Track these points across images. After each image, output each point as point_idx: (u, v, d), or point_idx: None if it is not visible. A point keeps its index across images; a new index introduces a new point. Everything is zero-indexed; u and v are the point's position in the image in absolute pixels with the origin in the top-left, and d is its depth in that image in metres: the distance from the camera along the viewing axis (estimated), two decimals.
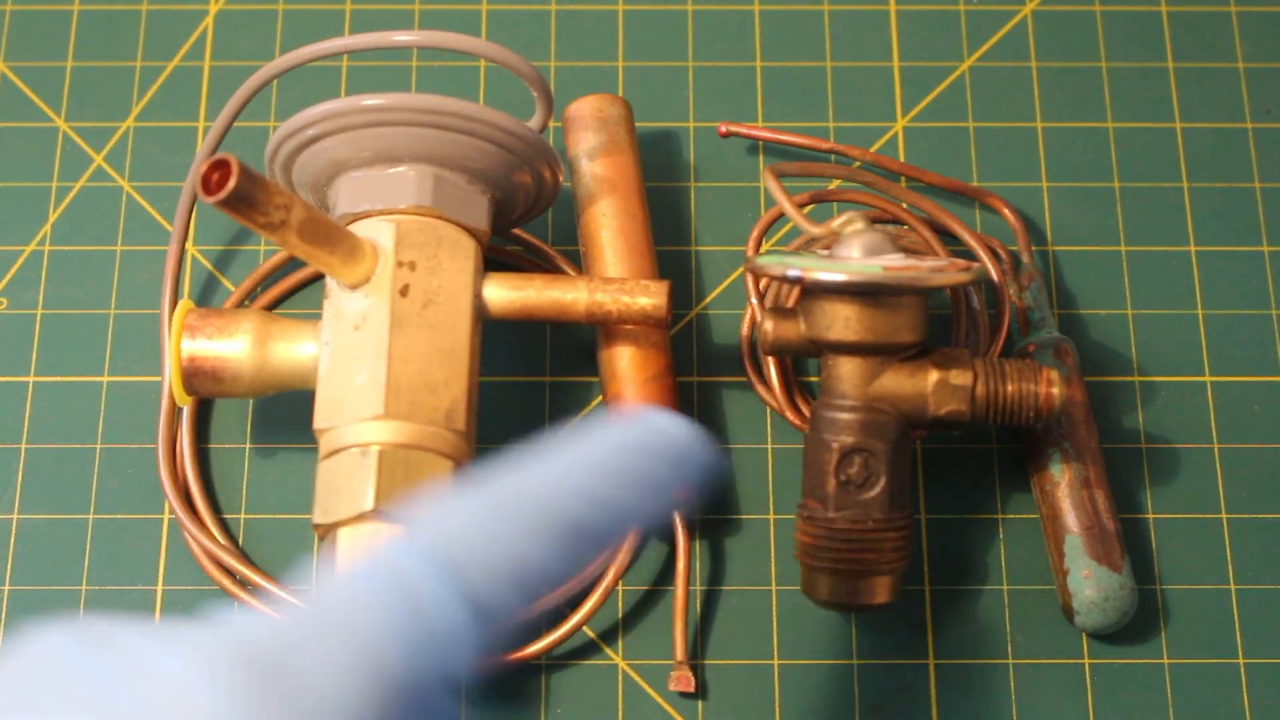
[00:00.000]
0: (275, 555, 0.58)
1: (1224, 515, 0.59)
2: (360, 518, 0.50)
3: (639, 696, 0.56)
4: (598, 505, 0.39)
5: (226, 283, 0.62)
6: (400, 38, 0.56)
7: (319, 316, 0.58)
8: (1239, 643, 0.57)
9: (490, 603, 0.37)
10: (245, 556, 0.58)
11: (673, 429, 0.41)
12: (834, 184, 0.64)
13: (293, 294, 0.62)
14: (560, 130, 0.64)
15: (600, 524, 0.39)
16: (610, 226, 0.59)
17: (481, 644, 0.36)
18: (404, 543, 0.37)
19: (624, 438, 0.40)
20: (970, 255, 0.61)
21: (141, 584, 0.57)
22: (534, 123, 0.60)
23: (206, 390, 0.55)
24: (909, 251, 0.59)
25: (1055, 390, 0.54)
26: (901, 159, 0.64)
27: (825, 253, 0.56)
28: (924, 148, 0.65)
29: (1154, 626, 0.57)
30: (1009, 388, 0.54)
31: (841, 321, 0.53)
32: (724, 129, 0.64)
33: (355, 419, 0.52)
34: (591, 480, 0.39)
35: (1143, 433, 0.60)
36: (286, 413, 0.60)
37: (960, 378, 0.53)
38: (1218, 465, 0.60)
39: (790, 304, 0.59)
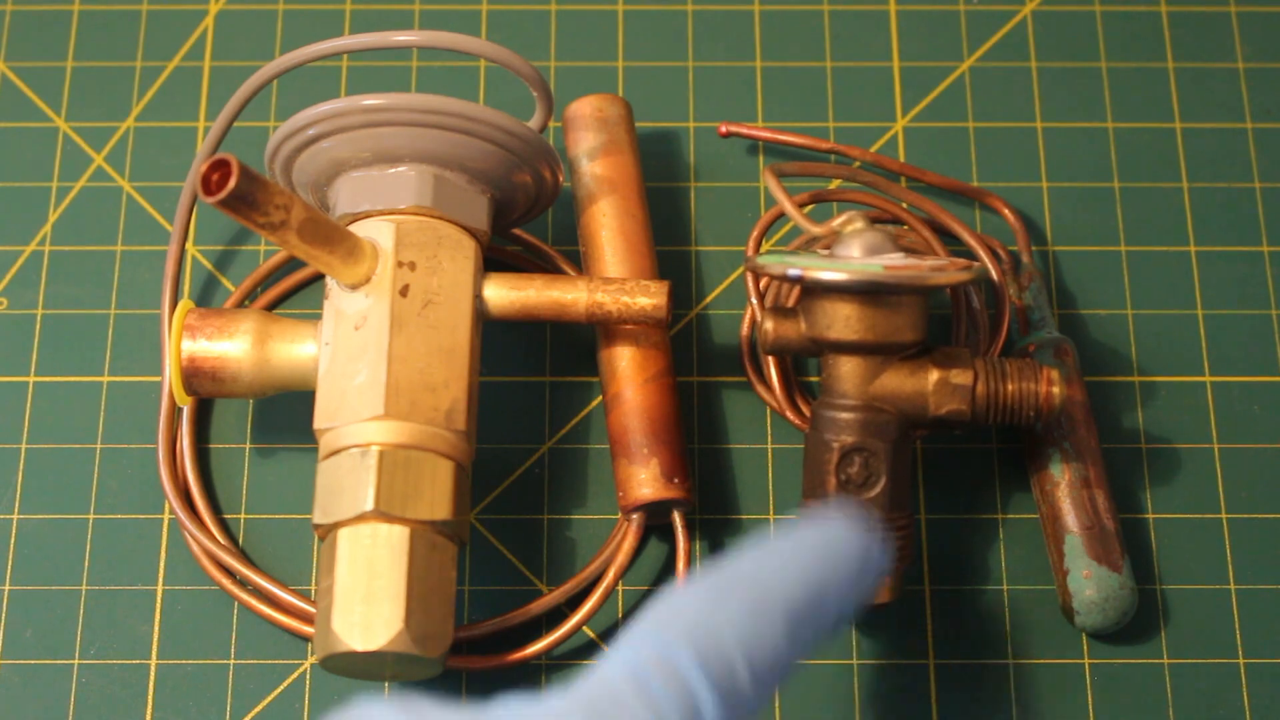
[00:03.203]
0: (275, 555, 0.58)
1: (1224, 515, 0.59)
2: (360, 518, 0.50)
3: None
4: (814, 605, 0.42)
5: (226, 283, 0.62)
6: (400, 38, 0.56)
7: (319, 316, 0.58)
8: (1239, 643, 0.57)
9: (735, 700, 0.40)
10: (245, 556, 0.58)
11: (860, 539, 0.44)
12: (834, 184, 0.64)
13: (293, 294, 0.62)
14: (560, 130, 0.64)
15: (813, 629, 0.42)
16: (610, 226, 0.59)
17: None
18: (667, 640, 0.40)
19: (829, 547, 0.43)
20: (970, 255, 0.61)
21: (141, 584, 0.57)
22: (534, 123, 0.60)
23: (206, 390, 0.55)
24: (909, 251, 0.59)
25: (1055, 390, 0.54)
26: (901, 159, 0.64)
27: (825, 252, 0.56)
28: (924, 148, 0.65)
29: (1154, 626, 0.57)
30: (1009, 387, 0.54)
31: (842, 321, 0.53)
32: (724, 129, 0.64)
33: (355, 419, 0.52)
34: (807, 586, 0.42)
35: (1143, 433, 0.60)
36: (286, 413, 0.60)
37: (960, 377, 0.53)
38: (1218, 465, 0.60)
39: (790, 304, 0.59)
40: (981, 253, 0.60)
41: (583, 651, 0.57)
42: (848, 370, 0.53)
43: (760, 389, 0.60)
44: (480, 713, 0.38)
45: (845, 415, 0.53)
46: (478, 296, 0.55)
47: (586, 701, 0.38)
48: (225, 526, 0.58)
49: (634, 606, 0.57)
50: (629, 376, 0.57)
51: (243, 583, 0.57)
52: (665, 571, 0.58)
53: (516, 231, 0.61)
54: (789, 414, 0.59)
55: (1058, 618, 0.57)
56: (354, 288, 0.53)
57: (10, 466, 0.59)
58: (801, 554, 0.42)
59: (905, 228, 0.61)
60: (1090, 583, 0.55)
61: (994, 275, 0.59)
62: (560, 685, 0.56)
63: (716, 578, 0.42)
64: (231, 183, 0.47)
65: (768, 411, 0.60)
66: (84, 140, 0.64)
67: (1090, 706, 0.56)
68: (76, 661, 0.56)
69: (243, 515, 0.59)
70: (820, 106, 0.65)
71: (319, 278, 0.62)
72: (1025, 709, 0.56)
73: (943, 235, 0.62)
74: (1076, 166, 0.64)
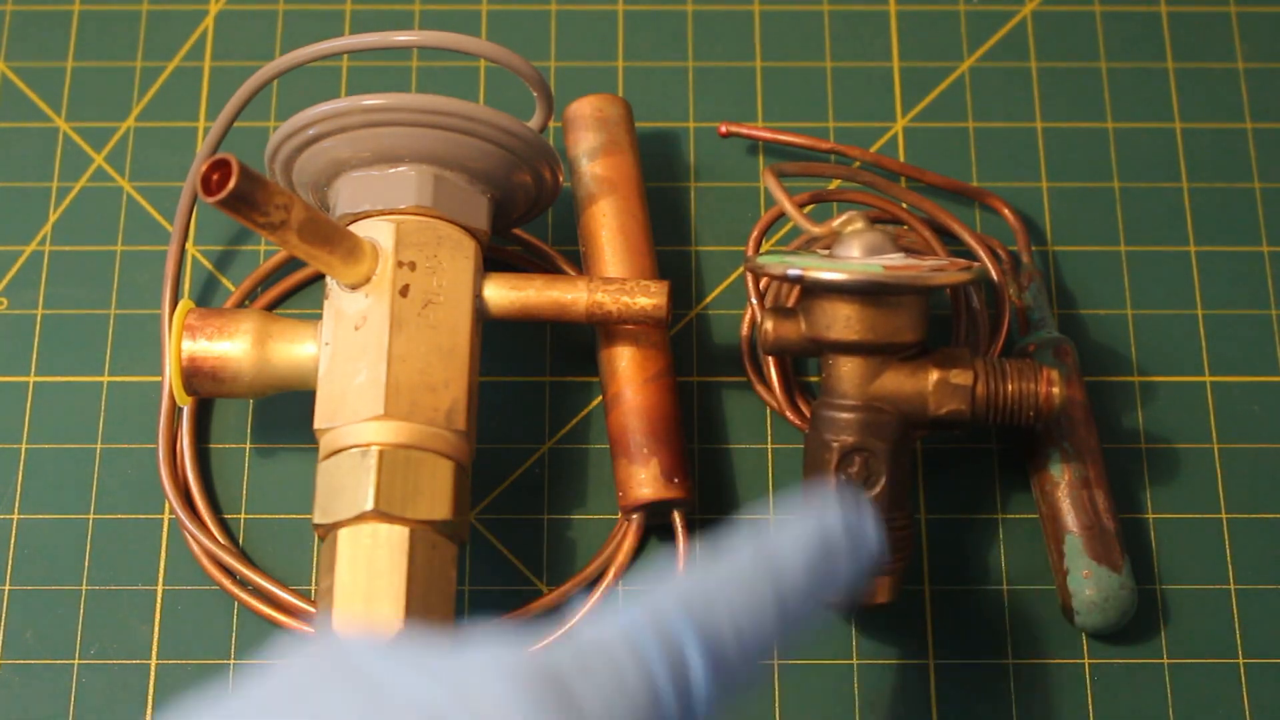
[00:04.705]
0: (275, 555, 0.58)
1: (1224, 515, 0.59)
2: (360, 518, 0.50)
3: None
4: (797, 589, 0.42)
5: (226, 283, 0.62)
6: (400, 38, 0.56)
7: (319, 316, 0.58)
8: (1239, 643, 0.57)
9: (723, 665, 0.40)
10: (245, 556, 0.58)
11: (856, 522, 0.45)
12: (834, 184, 0.64)
13: (293, 294, 0.62)
14: (560, 130, 0.64)
15: (798, 606, 0.42)
16: (610, 226, 0.59)
17: (716, 699, 0.40)
18: (661, 605, 0.40)
19: (817, 528, 0.44)
20: (970, 255, 0.61)
21: (141, 584, 0.57)
22: (534, 123, 0.60)
23: (206, 390, 0.55)
24: (909, 251, 0.59)
25: (1055, 390, 0.54)
26: (901, 159, 0.64)
27: (825, 252, 0.56)
28: (924, 148, 0.65)
29: (1154, 626, 0.57)
30: (1009, 387, 0.54)
31: (842, 321, 0.53)
32: (724, 129, 0.64)
33: (355, 419, 0.52)
34: (794, 565, 0.43)
35: (1143, 433, 0.60)
36: (286, 413, 0.60)
37: (960, 377, 0.53)
38: (1218, 465, 0.60)
39: (790, 304, 0.59)
40: (981, 253, 0.60)
41: None
42: (848, 370, 0.53)
43: (760, 389, 0.60)
44: (460, 653, 0.38)
45: (845, 415, 0.53)
46: (478, 296, 0.55)
47: (575, 650, 0.38)
48: (225, 526, 0.58)
49: None
50: (629, 376, 0.57)
51: (243, 583, 0.57)
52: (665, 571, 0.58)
53: (516, 231, 0.61)
54: (789, 414, 0.59)
55: (1058, 618, 0.57)
56: (354, 288, 0.53)
57: (10, 466, 0.59)
58: (794, 530, 0.43)
59: (905, 228, 0.61)
60: (1090, 583, 0.55)
61: (994, 275, 0.59)
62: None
63: (713, 569, 0.42)
64: (231, 183, 0.47)
65: (768, 411, 0.60)
66: (84, 140, 0.64)
67: (1090, 706, 0.56)
68: (76, 661, 0.56)
69: (243, 515, 0.59)
70: (820, 106, 0.65)
71: (319, 278, 0.62)
72: (1025, 709, 0.56)
73: (943, 235, 0.62)
74: (1076, 166, 0.64)
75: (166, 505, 0.59)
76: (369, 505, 0.50)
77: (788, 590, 0.42)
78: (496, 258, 0.62)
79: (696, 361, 0.61)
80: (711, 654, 0.40)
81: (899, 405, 0.53)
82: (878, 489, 0.53)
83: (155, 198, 0.64)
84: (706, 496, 0.59)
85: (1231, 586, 0.58)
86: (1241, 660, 0.57)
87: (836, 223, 0.55)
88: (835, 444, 0.53)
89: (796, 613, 0.42)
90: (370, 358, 0.52)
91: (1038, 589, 0.58)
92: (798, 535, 0.43)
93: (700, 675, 0.39)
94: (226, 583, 0.57)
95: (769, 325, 0.55)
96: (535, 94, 0.59)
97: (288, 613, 0.56)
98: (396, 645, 0.38)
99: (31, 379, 0.61)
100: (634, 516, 0.56)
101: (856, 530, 0.44)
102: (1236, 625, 0.57)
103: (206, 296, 0.62)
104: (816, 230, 0.56)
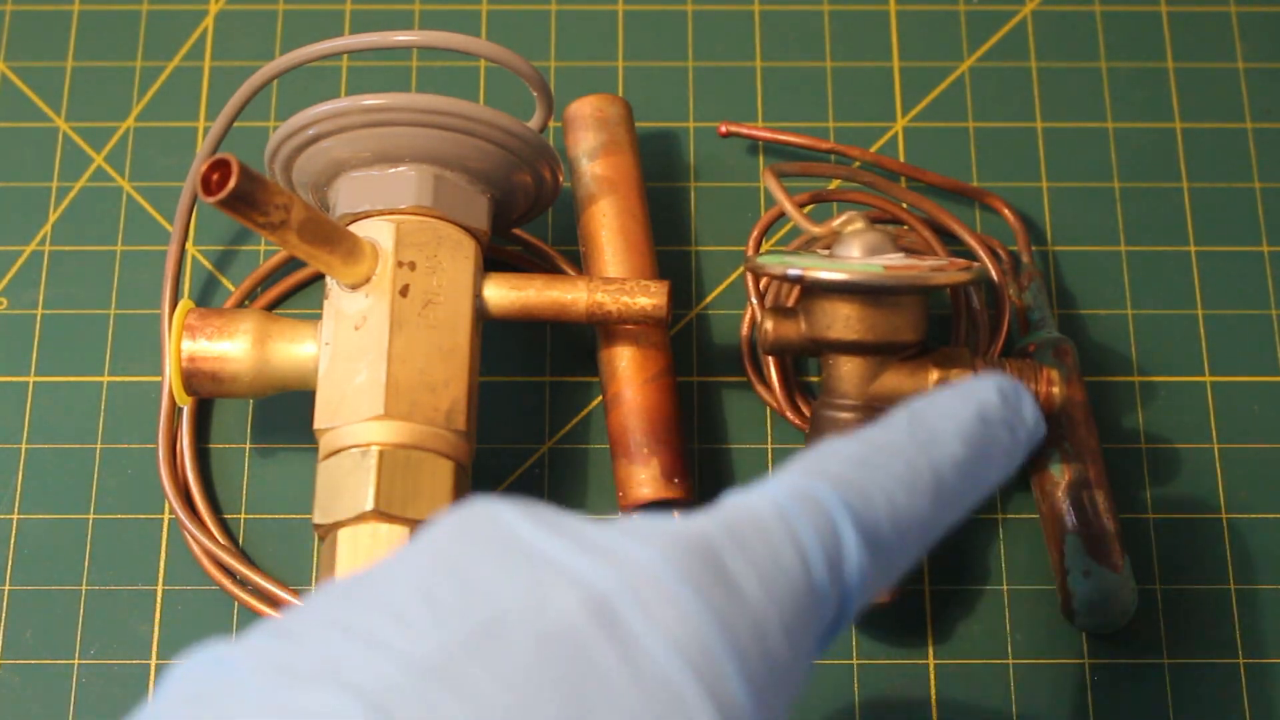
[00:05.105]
0: (275, 555, 0.58)
1: (1224, 515, 0.59)
2: (360, 518, 0.50)
3: None
4: (956, 465, 0.41)
5: (226, 283, 0.62)
6: (400, 38, 0.56)
7: (319, 316, 0.58)
8: (1239, 643, 0.57)
9: (879, 547, 0.38)
10: (245, 556, 0.58)
11: (1021, 405, 0.43)
12: (834, 184, 0.64)
13: (293, 294, 0.62)
14: (560, 130, 0.64)
15: (956, 485, 0.41)
16: (610, 226, 0.59)
17: (872, 582, 0.38)
18: (813, 479, 0.39)
19: (976, 404, 0.42)
20: (970, 255, 0.61)
21: (141, 584, 0.57)
22: (534, 123, 0.60)
23: (206, 390, 0.55)
24: (909, 251, 0.59)
25: (1055, 390, 0.54)
26: (901, 159, 0.64)
27: (825, 252, 0.56)
28: (924, 148, 0.65)
29: (1154, 626, 0.57)
30: None
31: (842, 321, 0.53)
32: (724, 129, 0.64)
33: (355, 419, 0.52)
34: (952, 441, 0.41)
35: (1143, 433, 0.60)
36: (286, 413, 0.60)
37: (960, 377, 0.53)
38: (1218, 465, 0.60)
39: (790, 304, 0.59)
40: (981, 253, 0.60)
41: None
42: (848, 370, 0.53)
43: (760, 389, 0.60)
44: (614, 524, 0.36)
45: (845, 415, 0.53)
46: (478, 296, 0.55)
47: (726, 522, 0.37)
48: (225, 526, 0.58)
49: None
50: (629, 376, 0.57)
51: (243, 583, 0.57)
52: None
53: (516, 231, 0.61)
54: (789, 414, 0.59)
55: (1058, 618, 0.57)
56: (354, 288, 0.53)
57: (10, 466, 0.59)
58: (955, 426, 0.41)
59: (905, 228, 0.61)
60: (1090, 583, 0.55)
61: (994, 275, 0.59)
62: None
63: (867, 442, 0.40)
64: (231, 183, 0.47)
65: (768, 411, 0.60)
66: (84, 140, 0.64)
67: (1090, 706, 0.56)
68: (76, 661, 0.56)
69: (243, 515, 0.59)
70: (820, 106, 0.65)
71: (319, 278, 0.62)
72: (1025, 709, 0.56)
73: (943, 235, 0.62)
74: (1076, 166, 0.64)
75: (166, 505, 0.59)
76: (369, 505, 0.50)
77: (946, 468, 0.40)
78: (496, 258, 0.62)
79: (696, 361, 0.61)
80: (867, 534, 0.38)
81: (899, 405, 0.53)
82: None
83: (155, 198, 0.64)
84: (706, 496, 0.59)
85: (1231, 586, 0.58)
86: (1241, 660, 0.57)
87: (836, 223, 0.55)
88: None
89: (955, 492, 0.40)
90: (370, 358, 0.52)
91: (1038, 589, 0.58)
92: (956, 411, 0.41)
93: (855, 557, 0.38)
94: (226, 583, 0.57)
95: (769, 325, 0.55)
96: (535, 94, 0.59)
97: None
98: (556, 517, 0.36)
99: (31, 379, 0.61)
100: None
101: (1015, 405, 0.43)
102: (1236, 625, 0.57)
103: (206, 296, 0.62)
104: (816, 230, 0.56)
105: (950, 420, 0.41)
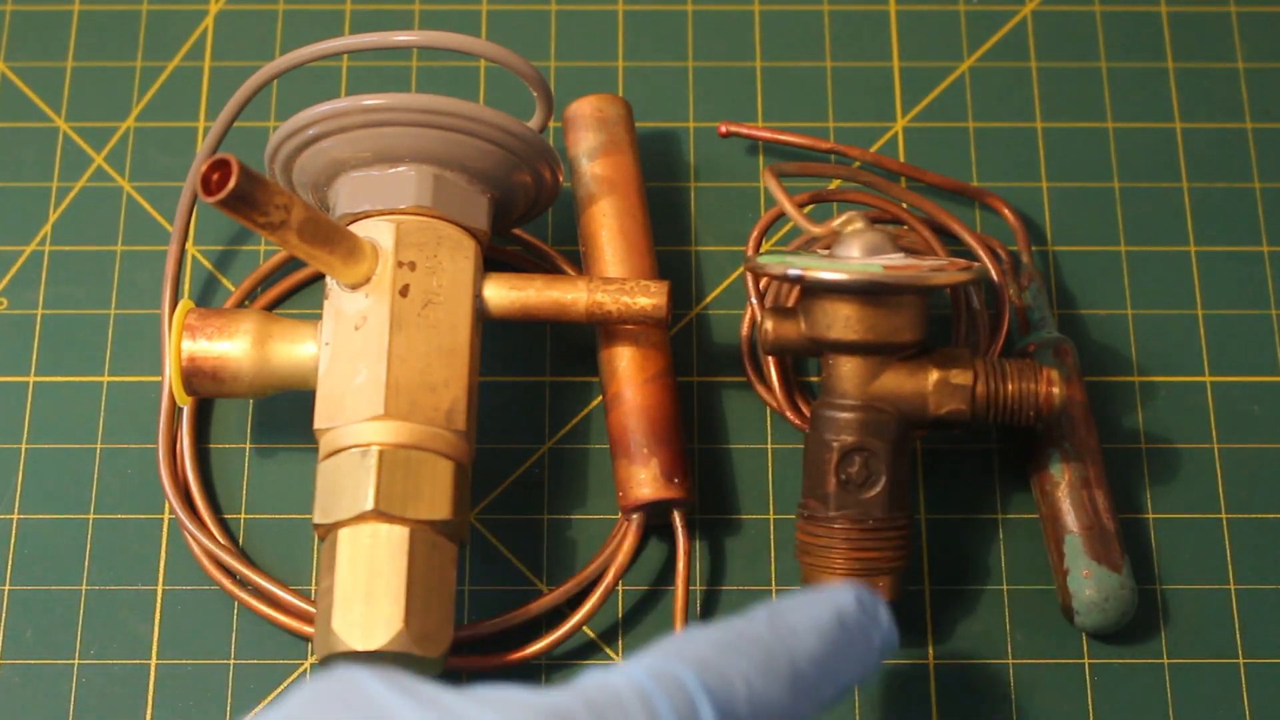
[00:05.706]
0: (275, 555, 0.58)
1: (1224, 515, 0.59)
2: (360, 518, 0.50)
3: None
4: (813, 661, 0.42)
5: (226, 283, 0.62)
6: (400, 38, 0.56)
7: (319, 316, 0.58)
8: (1239, 643, 0.57)
9: None
10: (245, 556, 0.58)
11: (878, 613, 0.45)
12: (834, 184, 0.64)
13: (293, 294, 0.62)
14: (560, 130, 0.64)
15: (813, 679, 0.42)
16: (610, 226, 0.59)
17: None
18: (672, 661, 0.40)
19: (841, 613, 0.44)
20: (970, 255, 0.61)
21: (141, 584, 0.57)
22: (534, 123, 0.60)
23: (206, 390, 0.55)
24: (909, 251, 0.59)
25: (1055, 390, 0.54)
26: (901, 159, 0.64)
27: (825, 252, 0.56)
28: (924, 148, 0.65)
29: (1154, 626, 0.57)
30: (1009, 387, 0.54)
31: (842, 321, 0.53)
32: (724, 129, 0.64)
33: (355, 419, 0.52)
34: (809, 637, 0.42)
35: (1143, 433, 0.60)
36: (286, 413, 0.60)
37: (960, 377, 0.53)
38: (1218, 465, 0.60)
39: (790, 304, 0.59)
40: (981, 253, 0.60)
41: (583, 651, 0.57)
42: (848, 370, 0.53)
43: (760, 389, 0.60)
44: (470, 692, 0.37)
45: (845, 415, 0.53)
46: (478, 296, 0.55)
47: (585, 698, 0.38)
48: (225, 526, 0.58)
49: (634, 606, 0.57)
50: (629, 376, 0.57)
51: (243, 583, 0.57)
52: (665, 571, 0.58)
53: (516, 231, 0.61)
54: (789, 414, 0.59)
55: (1058, 618, 0.57)
56: (354, 288, 0.53)
57: (10, 466, 0.59)
58: (813, 623, 0.43)
59: (905, 228, 0.61)
60: (1090, 583, 0.55)
61: (994, 275, 0.59)
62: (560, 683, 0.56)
63: (727, 629, 0.42)
64: (231, 183, 0.47)
65: (768, 411, 0.60)
66: (84, 140, 0.64)
67: (1090, 706, 0.56)
68: (76, 661, 0.56)
69: (243, 515, 0.59)
70: (820, 106, 0.65)
71: (319, 278, 0.62)
72: (1025, 709, 0.56)
73: (943, 235, 0.62)
74: (1076, 166, 0.64)
75: (166, 505, 0.59)
76: (369, 505, 0.50)
77: (803, 661, 0.41)
78: (496, 258, 0.62)
79: (696, 361, 0.61)
80: (725, 715, 0.39)
81: (899, 405, 0.53)
82: (878, 489, 0.53)
83: (155, 198, 0.64)
84: (706, 496, 0.59)
85: (1231, 586, 0.58)
86: (1241, 660, 0.57)
87: (836, 223, 0.55)
88: (835, 444, 0.53)
89: (812, 685, 0.42)
90: (370, 358, 0.52)
91: (1038, 589, 0.58)
92: (815, 611, 0.43)
93: None
94: (226, 583, 0.57)
95: (769, 325, 0.55)
96: (535, 94, 0.59)
97: (288, 613, 0.56)
98: (415, 683, 0.38)
99: (31, 379, 0.61)
100: (634, 516, 0.56)
101: (872, 613, 0.44)
102: (1236, 625, 0.57)
103: (206, 296, 0.62)
104: (816, 230, 0.56)
105: (809, 619, 0.43)
